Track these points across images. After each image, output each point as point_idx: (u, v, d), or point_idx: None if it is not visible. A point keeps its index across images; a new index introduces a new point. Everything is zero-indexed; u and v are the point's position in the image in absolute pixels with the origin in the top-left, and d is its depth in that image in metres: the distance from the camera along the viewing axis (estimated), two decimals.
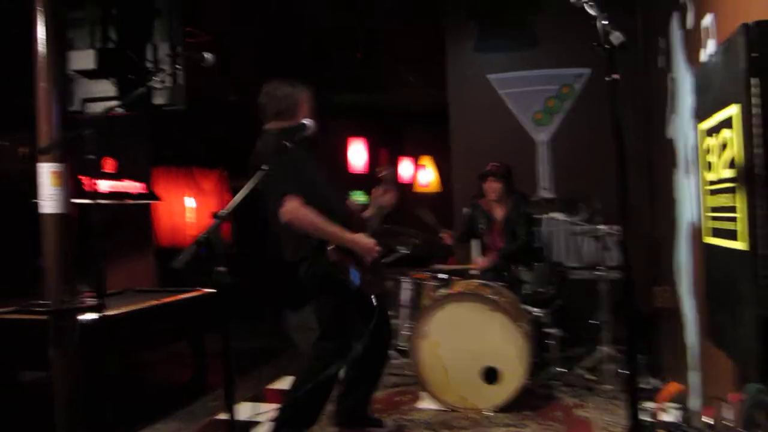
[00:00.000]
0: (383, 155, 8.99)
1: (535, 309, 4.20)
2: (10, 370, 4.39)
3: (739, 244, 2.04)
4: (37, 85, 3.66)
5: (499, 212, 4.69)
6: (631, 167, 4.84)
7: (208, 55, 3.04)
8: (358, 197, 4.45)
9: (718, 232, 2.38)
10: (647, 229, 4.74)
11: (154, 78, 3.32)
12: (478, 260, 4.53)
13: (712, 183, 2.49)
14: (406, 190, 9.49)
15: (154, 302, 4.89)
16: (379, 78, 7.76)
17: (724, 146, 2.22)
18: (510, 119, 5.41)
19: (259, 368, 5.27)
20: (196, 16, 5.57)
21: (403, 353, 4.39)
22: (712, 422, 1.70)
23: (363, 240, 3.11)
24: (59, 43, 3.74)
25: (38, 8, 3.62)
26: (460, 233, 4.87)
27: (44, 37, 3.64)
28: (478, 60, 5.53)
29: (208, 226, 1.99)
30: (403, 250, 4.39)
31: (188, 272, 2.04)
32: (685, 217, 3.46)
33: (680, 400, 1.69)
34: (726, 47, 2.20)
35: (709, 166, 2.56)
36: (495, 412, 3.68)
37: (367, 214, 3.43)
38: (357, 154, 8.32)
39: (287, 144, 2.55)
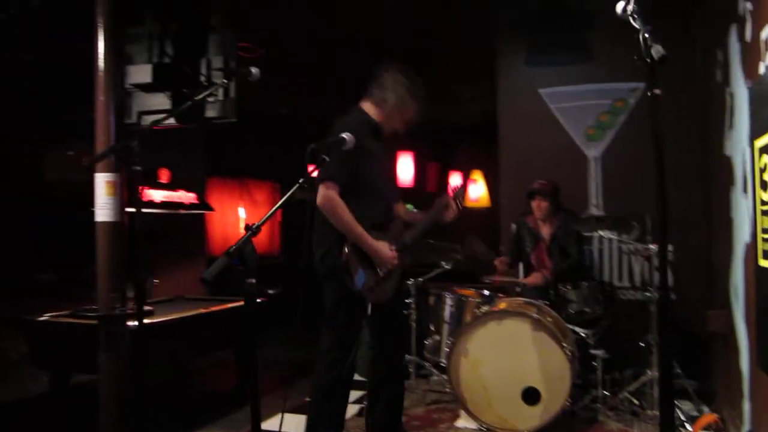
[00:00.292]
0: (432, 169, 8.97)
1: (581, 329, 4.09)
2: (63, 371, 4.56)
3: None
4: (96, 98, 3.81)
5: (545, 230, 4.62)
6: (687, 185, 4.73)
7: (254, 70, 3.10)
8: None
9: None
10: (703, 250, 4.58)
11: (206, 91, 3.35)
12: (530, 277, 4.44)
13: (765, 203, 2.38)
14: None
15: (202, 310, 5.00)
16: (429, 92, 7.75)
17: None
18: (561, 134, 5.31)
19: (303, 379, 5.30)
20: (251, 31, 5.70)
21: (444, 370, 4.34)
22: None
23: (382, 250, 3.10)
24: (117, 58, 3.89)
25: (98, 24, 3.78)
26: (510, 255, 4.80)
27: (103, 52, 3.79)
28: (528, 74, 5.46)
29: (240, 238, 2.02)
30: (445, 265, 4.35)
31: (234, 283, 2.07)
32: (741, 237, 3.32)
33: (716, 430, 1.61)
34: None
35: (764, 186, 2.45)
36: None
37: (419, 217, 3.42)
38: (405, 168, 8.31)
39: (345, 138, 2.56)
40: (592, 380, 4.05)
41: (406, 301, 4.60)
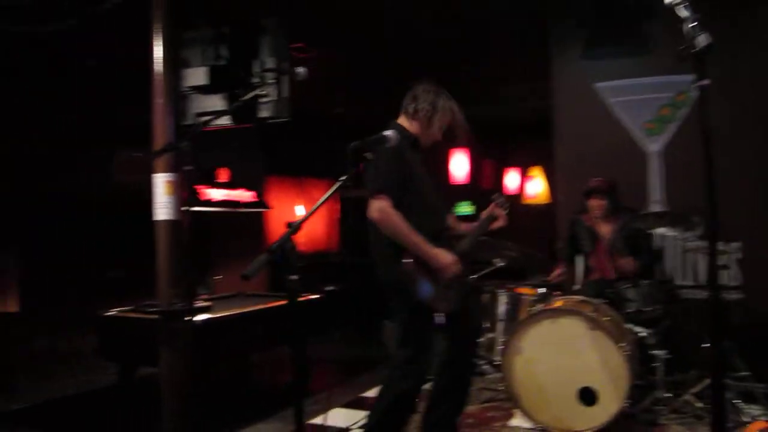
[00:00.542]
0: (488, 167, 8.88)
1: (640, 329, 3.98)
2: (129, 364, 4.74)
3: None
4: (154, 101, 3.94)
5: (604, 230, 4.50)
6: (756, 180, 4.53)
7: (301, 70, 3.15)
8: (463, 208, 4.44)
9: None
10: None
11: (252, 92, 3.41)
12: (621, 261, 4.32)
13: None
14: (514, 201, 9.33)
15: (260, 306, 5.11)
16: (485, 89, 7.68)
17: None
18: (618, 129, 5.16)
19: (360, 375, 5.36)
20: (304, 31, 5.77)
21: (499, 368, 4.30)
22: None
23: (442, 256, 3.05)
24: (173, 62, 4.00)
25: (155, 30, 3.90)
26: (567, 257, 4.70)
27: (160, 56, 3.91)
28: (584, 68, 5.32)
29: (281, 236, 2.04)
30: (499, 263, 4.30)
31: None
32: None
33: None
34: None
35: None
36: None
37: (468, 228, 3.41)
38: (459, 166, 8.25)
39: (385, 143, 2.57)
40: (653, 382, 3.93)
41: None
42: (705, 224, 4.35)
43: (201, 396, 4.20)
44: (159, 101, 3.92)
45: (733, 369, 3.88)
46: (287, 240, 2.03)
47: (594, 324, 3.59)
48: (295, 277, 2.05)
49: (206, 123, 3.33)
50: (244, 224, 7.33)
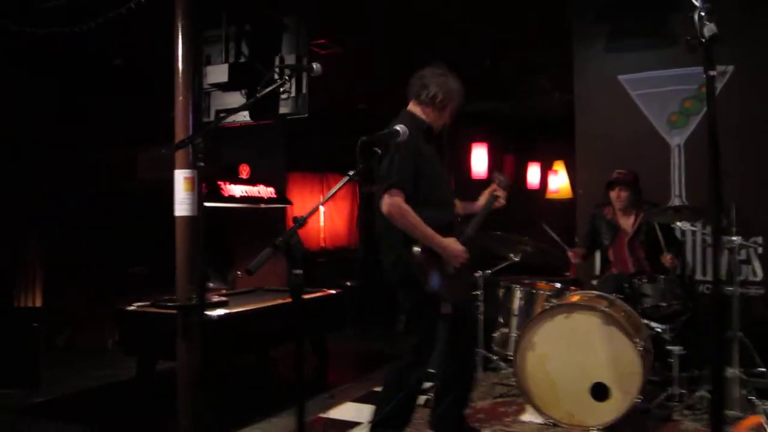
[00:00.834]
0: (509, 161, 8.83)
1: (657, 324, 3.94)
2: (148, 358, 4.84)
3: None
4: (176, 98, 4.01)
5: (625, 222, 4.47)
6: None
7: (315, 66, 3.18)
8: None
9: None
10: None
11: (267, 88, 3.44)
12: (667, 256, 4.24)
13: None
14: (536, 196, 9.26)
15: (278, 301, 5.17)
16: (508, 84, 7.64)
17: None
18: (641, 122, 5.09)
19: (374, 371, 5.38)
20: (327, 27, 5.81)
21: (512, 363, 4.29)
22: None
23: (453, 246, 3.07)
24: (194, 59, 4.06)
25: (177, 28, 3.97)
26: (585, 248, 4.68)
27: (181, 54, 3.98)
28: (608, 60, 5.26)
29: (287, 230, 2.07)
30: (514, 258, 4.29)
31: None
32: None
33: None
34: None
35: None
36: (603, 430, 3.50)
37: (472, 209, 3.41)
38: (479, 160, 8.21)
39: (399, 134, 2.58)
40: (669, 377, 3.89)
41: (475, 293, 4.57)
42: (727, 219, 4.28)
43: (218, 389, 4.28)
44: (180, 98, 3.99)
45: (750, 365, 3.82)
46: (292, 234, 2.06)
47: (608, 319, 3.57)
48: (299, 271, 2.08)
49: (221, 120, 3.36)
50: (265, 220, 7.40)
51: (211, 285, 6.76)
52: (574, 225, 5.26)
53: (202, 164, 2.87)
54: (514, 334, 4.16)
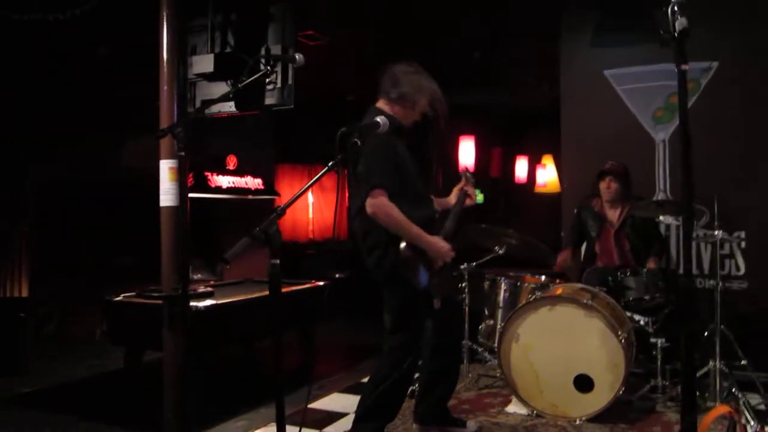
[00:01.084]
0: (496, 154, 8.85)
1: (640, 317, 3.97)
2: (135, 348, 4.83)
3: None
4: (160, 88, 3.99)
5: (612, 215, 4.50)
6: (760, 168, 4.48)
7: (298, 56, 3.17)
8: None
9: None
10: None
11: (249, 79, 3.42)
12: (650, 265, 4.30)
13: None
14: (524, 190, 9.29)
15: (266, 292, 5.16)
16: (496, 77, 7.65)
17: None
18: (626, 117, 5.12)
19: (362, 362, 5.41)
20: (316, 17, 5.79)
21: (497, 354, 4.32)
22: None
23: (439, 243, 3.08)
24: (179, 49, 4.04)
25: (162, 17, 3.94)
26: (572, 241, 4.71)
27: (166, 43, 3.95)
28: (594, 55, 5.28)
29: (266, 220, 2.07)
30: (499, 250, 4.31)
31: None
32: None
33: (729, 423, 1.53)
34: None
35: None
36: (586, 421, 3.53)
37: (447, 204, 3.42)
38: (466, 153, 8.23)
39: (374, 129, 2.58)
40: (653, 369, 3.93)
41: (460, 285, 4.60)
42: (710, 214, 4.32)
43: (205, 380, 4.28)
44: (165, 88, 3.96)
45: (733, 358, 3.87)
46: (271, 224, 2.07)
47: (591, 312, 3.60)
48: (276, 261, 2.09)
49: (202, 109, 3.35)
50: (253, 211, 7.39)
51: (199, 276, 6.76)
52: (557, 219, 5.30)
53: (182, 153, 2.85)
54: (499, 326, 4.18)
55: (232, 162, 6.58)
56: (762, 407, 3.67)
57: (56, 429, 3.98)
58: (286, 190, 8.06)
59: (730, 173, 4.59)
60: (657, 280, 3.98)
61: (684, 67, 1.81)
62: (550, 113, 6.22)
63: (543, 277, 4.29)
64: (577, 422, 3.55)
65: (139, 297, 4.58)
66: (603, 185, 4.46)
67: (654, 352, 3.90)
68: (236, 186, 6.51)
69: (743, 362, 3.85)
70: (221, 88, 4.50)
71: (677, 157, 4.89)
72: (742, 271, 4.54)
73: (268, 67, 3.50)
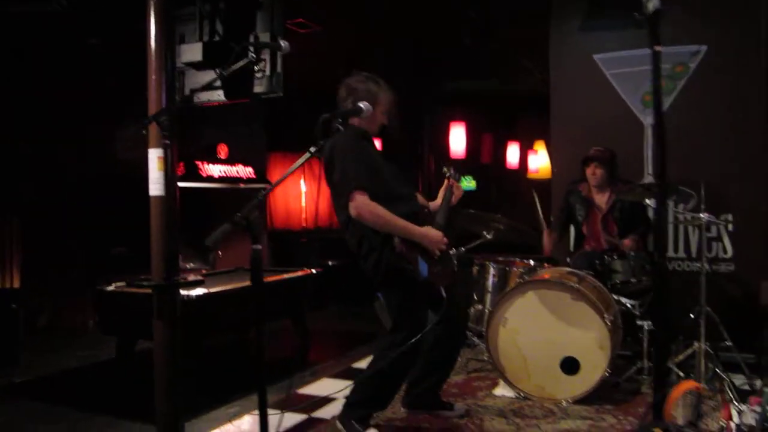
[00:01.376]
0: (487, 140, 8.85)
1: (627, 300, 4.00)
2: (127, 338, 4.85)
3: None
4: (148, 77, 3.98)
5: (600, 199, 4.53)
6: (750, 152, 4.50)
7: (284, 43, 3.17)
8: (464, 183, 4.45)
9: None
10: (762, 219, 4.37)
11: (233, 66, 3.41)
12: (626, 241, 4.33)
13: None
14: (516, 176, 9.30)
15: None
16: (488, 63, 7.64)
17: None
18: (616, 101, 5.13)
19: (352, 348, 5.44)
20: (305, 5, 5.77)
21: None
22: (725, 424, 1.57)
23: (431, 233, 3.11)
24: (167, 38, 4.03)
25: (149, 5, 3.93)
26: (558, 225, 4.73)
27: (154, 32, 3.94)
28: (583, 40, 5.28)
29: (246, 206, 2.09)
30: (487, 235, 4.33)
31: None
32: None
33: (695, 398, 1.55)
34: None
35: None
36: (573, 403, 3.57)
37: (434, 206, 3.44)
38: (457, 139, 8.23)
39: (339, 127, 2.60)
40: (639, 352, 3.96)
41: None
42: (697, 197, 4.34)
43: (197, 368, 4.30)
44: (153, 77, 3.95)
45: (718, 339, 3.90)
46: (252, 210, 2.08)
47: (578, 295, 3.63)
48: (258, 247, 2.10)
49: (188, 98, 3.36)
50: (245, 201, 7.38)
51: (191, 265, 6.78)
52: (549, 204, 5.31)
53: (167, 142, 2.86)
54: (488, 311, 4.21)
55: (223, 151, 6.57)
56: (746, 387, 3.70)
57: (48, 418, 4.00)
58: (276, 178, 8.06)
59: (719, 156, 4.61)
60: (644, 263, 4.01)
61: (657, 48, 1.82)
62: (542, 99, 6.23)
63: (531, 262, 4.32)
64: (564, 404, 3.59)
65: (129, 287, 4.60)
66: (589, 171, 4.49)
67: (640, 335, 3.94)
68: (227, 175, 6.52)
69: (728, 343, 3.88)
70: (210, 76, 4.47)
71: (666, 140, 4.92)
72: (730, 254, 4.57)
73: (253, 55, 3.47)
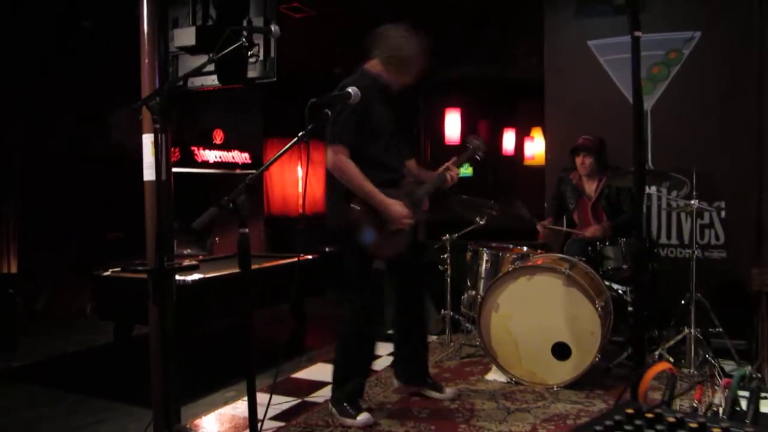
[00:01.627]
0: (483, 126, 8.84)
1: (618, 286, 4.03)
2: (124, 322, 4.89)
3: None
4: (141, 61, 3.98)
5: (590, 187, 4.54)
6: (741, 140, 4.51)
7: (274, 28, 3.17)
8: (462, 169, 4.45)
9: None
10: (754, 207, 4.39)
11: (224, 51, 3.40)
12: (590, 229, 4.37)
13: None
14: (512, 162, 9.29)
15: (255, 266, 5.21)
16: (486, 49, 7.62)
17: None
18: (610, 88, 5.12)
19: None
20: None
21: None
22: (696, 404, 1.60)
23: (395, 207, 3.11)
24: (160, 22, 4.02)
25: None
26: (551, 212, 4.76)
27: (146, 15, 3.93)
28: (578, 25, 5.27)
29: (234, 190, 2.10)
30: (480, 221, 4.35)
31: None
32: None
33: (669, 380, 1.57)
34: None
35: None
36: (563, 388, 3.61)
37: (427, 176, 3.43)
38: (452, 125, 8.22)
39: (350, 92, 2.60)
40: (629, 337, 3.99)
41: (443, 256, 4.65)
42: (690, 184, 4.36)
43: (194, 353, 4.34)
44: (146, 61, 3.95)
45: (709, 325, 3.94)
46: (239, 194, 2.10)
47: (569, 281, 3.65)
48: (245, 230, 2.12)
49: (176, 81, 3.36)
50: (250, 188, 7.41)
51: (188, 251, 6.80)
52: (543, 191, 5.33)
53: (157, 126, 2.87)
54: (480, 297, 4.23)
55: (219, 136, 6.57)
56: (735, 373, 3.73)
57: (46, 402, 4.04)
58: (274, 165, 8.05)
59: (712, 143, 4.62)
60: (635, 250, 4.02)
61: (637, 33, 1.83)
62: (539, 85, 6.23)
63: (525, 248, 4.34)
64: (555, 389, 3.63)
65: (125, 272, 4.62)
66: (578, 161, 4.50)
67: (632, 321, 3.97)
68: (223, 161, 6.53)
69: (719, 330, 3.92)
70: (203, 61, 4.49)
71: (659, 127, 4.94)
72: (722, 240, 4.60)
73: (243, 39, 3.46)
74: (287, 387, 3.99)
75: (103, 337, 5.36)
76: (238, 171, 6.80)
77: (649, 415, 1.18)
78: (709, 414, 1.45)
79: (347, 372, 3.27)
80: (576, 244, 4.38)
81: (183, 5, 4.68)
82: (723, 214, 4.60)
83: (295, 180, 8.93)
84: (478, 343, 4.14)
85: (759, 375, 3.67)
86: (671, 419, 1.14)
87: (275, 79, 4.47)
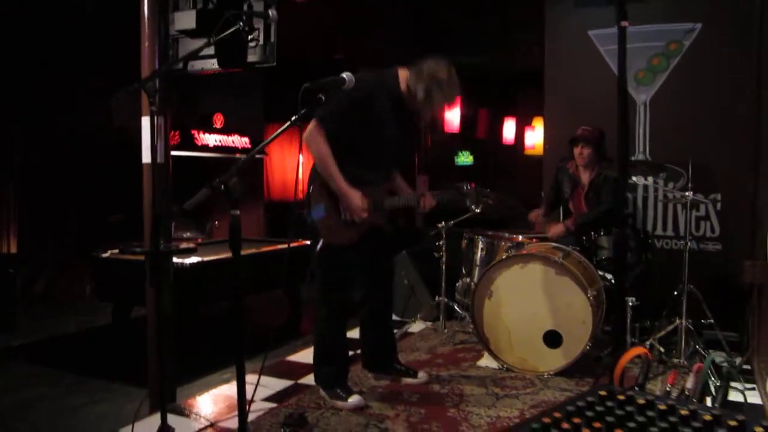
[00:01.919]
0: (483, 115, 8.83)
1: (611, 276, 4.06)
2: (122, 304, 4.93)
3: None
4: (141, 44, 3.99)
5: (585, 177, 4.55)
6: (738, 133, 4.52)
7: (271, 12, 3.18)
8: (462, 158, 4.48)
9: None
10: (749, 200, 4.40)
11: (222, 34, 3.41)
12: (553, 228, 4.40)
13: None
14: (512, 152, 9.30)
15: (252, 250, 5.25)
16: (489, 37, 7.61)
17: None
18: (610, 78, 5.08)
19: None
20: None
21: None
22: (669, 388, 1.63)
23: (351, 196, 3.15)
24: (162, 5, 4.03)
25: None
26: (548, 203, 4.77)
27: None
28: (578, 15, 5.27)
29: (226, 172, 2.12)
30: (475, 209, 4.37)
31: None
32: None
33: (644, 364, 1.59)
34: None
35: None
36: (554, 375, 3.65)
37: (403, 192, 3.47)
38: (452, 113, 8.23)
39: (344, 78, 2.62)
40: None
41: (438, 243, 4.68)
42: (686, 175, 4.37)
43: (193, 335, 4.39)
44: (146, 44, 3.97)
45: (702, 317, 3.97)
46: (232, 176, 2.12)
47: (562, 270, 3.68)
48: (236, 212, 2.14)
49: (173, 63, 3.38)
50: (243, 171, 7.43)
51: (188, 234, 6.83)
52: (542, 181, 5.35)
53: (154, 108, 2.90)
54: (474, 284, 4.26)
55: (219, 120, 6.59)
56: (725, 365, 3.76)
57: (45, 381, 4.09)
58: (274, 150, 8.08)
59: (710, 135, 4.63)
60: (629, 240, 4.05)
61: (624, 24, 1.84)
62: (540, 75, 6.23)
63: (520, 237, 4.37)
64: (545, 376, 3.67)
65: (123, 253, 4.66)
66: (576, 151, 4.49)
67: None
68: (223, 145, 6.54)
69: (710, 321, 3.95)
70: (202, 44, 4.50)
71: (658, 118, 4.95)
72: (717, 232, 4.61)
73: (242, 24, 3.47)
74: (281, 369, 4.03)
75: (101, 319, 5.42)
76: (238, 155, 6.82)
77: (621, 397, 1.21)
78: (682, 398, 1.47)
79: (325, 357, 3.36)
80: (570, 233, 4.40)
81: None
82: (719, 206, 4.62)
83: (296, 165, 8.95)
84: (471, 330, 4.17)
85: (749, 366, 3.70)
86: (641, 401, 1.17)
87: (275, 63, 4.48)
